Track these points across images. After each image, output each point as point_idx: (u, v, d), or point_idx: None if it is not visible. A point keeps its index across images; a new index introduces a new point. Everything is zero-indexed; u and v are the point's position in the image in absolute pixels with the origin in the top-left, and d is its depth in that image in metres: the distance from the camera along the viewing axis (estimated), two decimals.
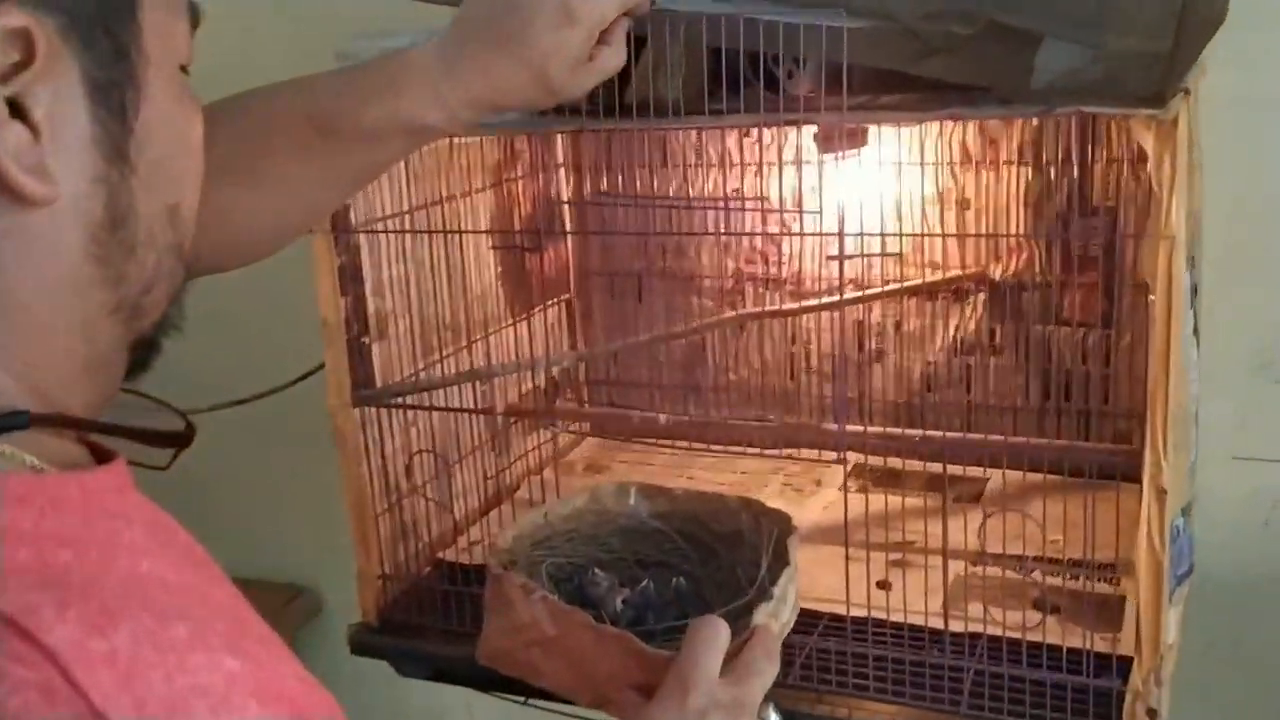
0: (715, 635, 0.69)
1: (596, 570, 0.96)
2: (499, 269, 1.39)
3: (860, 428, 1.23)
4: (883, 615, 1.06)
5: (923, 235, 1.30)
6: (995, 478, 1.32)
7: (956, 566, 1.16)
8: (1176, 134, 0.77)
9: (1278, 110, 1.21)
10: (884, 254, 0.94)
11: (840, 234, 0.90)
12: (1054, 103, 0.81)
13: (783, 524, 0.96)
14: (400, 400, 1.09)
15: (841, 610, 1.02)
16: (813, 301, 1.39)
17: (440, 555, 1.21)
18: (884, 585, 1.13)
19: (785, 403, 1.46)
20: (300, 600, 1.81)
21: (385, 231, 1.11)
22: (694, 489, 1.13)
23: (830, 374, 1.44)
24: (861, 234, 0.92)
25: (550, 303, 1.49)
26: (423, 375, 1.19)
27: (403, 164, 1.15)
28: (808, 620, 1.04)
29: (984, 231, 1.33)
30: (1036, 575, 1.10)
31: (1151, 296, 0.81)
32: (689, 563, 1.00)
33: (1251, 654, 1.34)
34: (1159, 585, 0.85)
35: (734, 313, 1.40)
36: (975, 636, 1.04)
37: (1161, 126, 0.77)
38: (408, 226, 1.15)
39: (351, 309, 1.12)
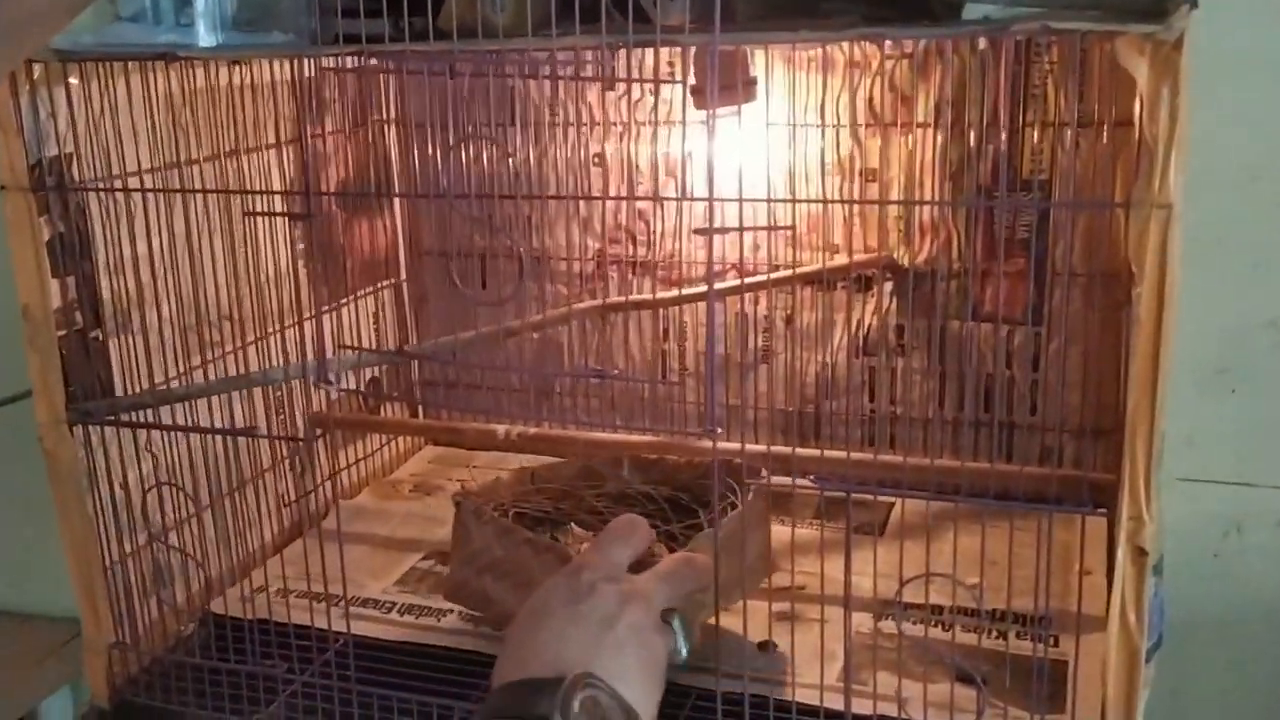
0: (628, 527, 0.71)
1: (575, 526, 0.93)
2: (302, 245, 1.12)
3: (735, 445, 0.99)
4: (764, 691, 0.83)
5: (817, 201, 1.07)
6: (902, 507, 1.10)
7: (859, 620, 0.94)
8: (1180, 60, 0.55)
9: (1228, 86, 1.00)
10: (770, 228, 0.70)
11: (710, 200, 0.66)
12: (1005, 19, 0.58)
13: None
14: (128, 417, 0.81)
15: (709, 684, 0.78)
16: (688, 290, 1.14)
17: (210, 607, 0.94)
18: (766, 647, 0.90)
19: (654, 411, 1.23)
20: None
21: (125, 190, 0.83)
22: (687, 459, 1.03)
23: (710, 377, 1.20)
24: (740, 200, 0.68)
25: (373, 288, 1.22)
26: (184, 381, 0.92)
27: (166, 111, 0.88)
28: (669, 702, 0.80)
29: (892, 201, 1.10)
30: (958, 633, 0.89)
31: (1136, 289, 0.59)
32: (669, 525, 0.94)
33: (1191, 709, 1.15)
34: (1134, 672, 0.64)
35: (594, 302, 1.15)
36: None
37: (1159, 49, 0.55)
38: (165, 186, 0.87)
39: (77, 293, 0.84)
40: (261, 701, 0.84)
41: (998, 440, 1.13)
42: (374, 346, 1.21)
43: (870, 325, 1.15)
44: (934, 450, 1.14)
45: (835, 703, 0.82)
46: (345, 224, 1.18)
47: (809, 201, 1.07)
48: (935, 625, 0.93)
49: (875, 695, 0.83)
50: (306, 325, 1.10)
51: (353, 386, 1.20)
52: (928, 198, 1.09)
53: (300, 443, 1.13)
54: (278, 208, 1.02)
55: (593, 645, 0.60)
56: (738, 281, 1.13)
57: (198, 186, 0.91)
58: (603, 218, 1.20)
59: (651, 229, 1.18)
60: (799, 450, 1.02)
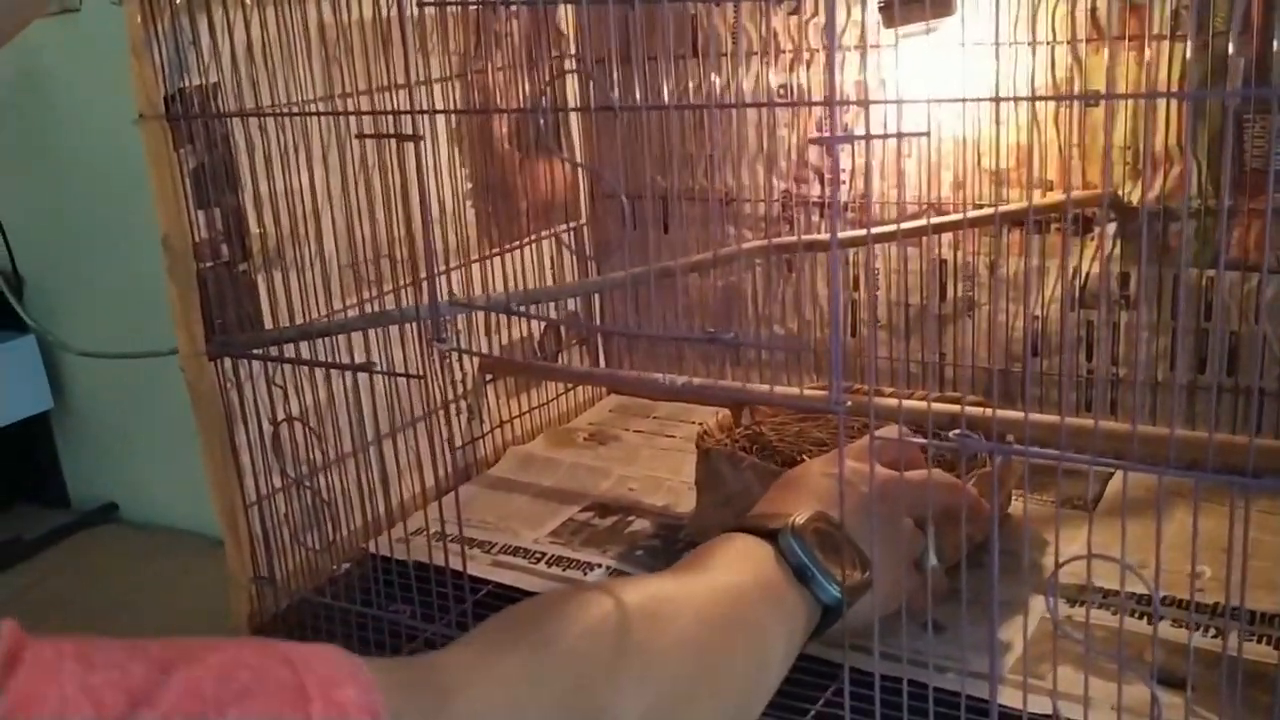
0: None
1: (805, 459, 0.87)
2: (470, 185, 1.09)
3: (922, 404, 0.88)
4: (922, 677, 0.73)
5: (986, 101, 0.93)
6: (1119, 476, 0.96)
7: (1040, 604, 0.81)
8: None
9: None
10: (899, 135, 0.60)
11: (899, 137, 0.56)
12: None
13: None
14: (263, 352, 0.80)
15: (867, 664, 0.69)
16: (878, 230, 1.03)
17: (366, 547, 0.93)
18: (936, 627, 0.80)
19: (845, 366, 1.12)
20: None
21: (260, 114, 0.81)
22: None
23: (905, 329, 1.09)
24: (925, 135, 0.58)
25: (550, 232, 1.18)
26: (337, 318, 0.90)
27: (321, 44, 0.86)
28: (821, 671, 0.72)
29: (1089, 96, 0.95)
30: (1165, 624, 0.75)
31: None
32: None
33: None
34: None
35: (759, 243, 1.06)
36: None
37: None
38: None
39: (223, 226, 0.83)
40: (387, 646, 0.81)
41: (1240, 408, 0.96)
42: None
43: (1089, 273, 1.01)
44: (1165, 420, 0.98)
45: (1007, 698, 0.70)
46: (520, 165, 1.14)
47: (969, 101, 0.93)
48: (1137, 616, 0.80)
49: (1054, 693, 0.71)
50: (477, 266, 1.08)
51: (522, 334, 1.17)
52: (1162, 126, 0.94)
53: (462, 394, 1.11)
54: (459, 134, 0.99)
55: (837, 504, 0.61)
56: (931, 221, 1.01)
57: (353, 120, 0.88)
58: (786, 156, 1.11)
59: (839, 167, 1.08)
60: (1000, 412, 0.89)
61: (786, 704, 0.74)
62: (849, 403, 0.60)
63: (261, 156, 0.84)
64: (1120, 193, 0.97)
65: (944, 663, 0.75)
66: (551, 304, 1.11)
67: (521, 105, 1.10)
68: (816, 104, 0.58)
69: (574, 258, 1.23)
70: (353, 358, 0.82)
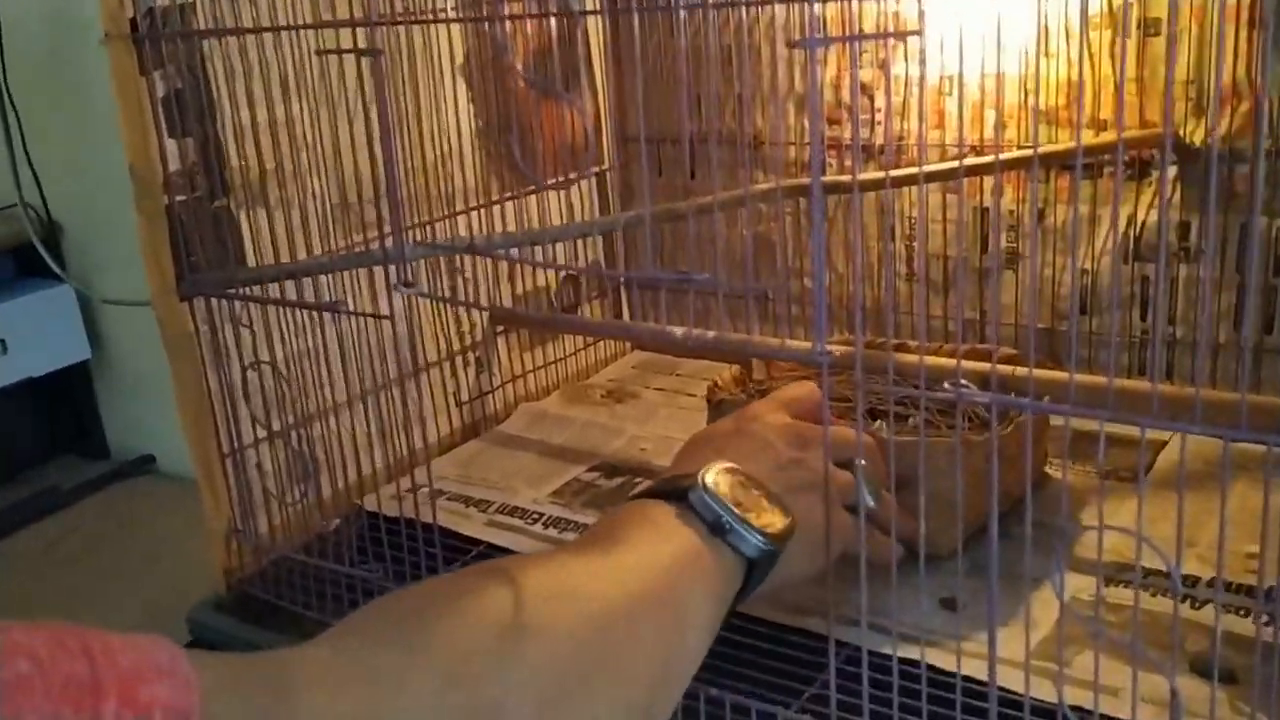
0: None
1: None
2: (481, 122, 1.03)
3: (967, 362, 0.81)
4: (941, 662, 0.66)
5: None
6: (1174, 445, 0.88)
7: (1080, 583, 0.74)
8: None
9: None
10: (889, 36, 0.53)
11: (887, 38, 0.49)
12: None
13: None
14: (236, 292, 0.75)
15: (885, 646, 0.62)
16: (907, 171, 0.95)
17: (360, 503, 0.88)
18: (950, 604, 0.73)
19: (876, 324, 1.05)
20: None
21: (239, 32, 0.76)
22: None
23: (944, 283, 1.01)
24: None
25: (571, 176, 1.12)
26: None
27: None
28: (811, 646, 0.65)
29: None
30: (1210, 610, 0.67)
31: None
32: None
33: None
34: None
35: (768, 185, 0.98)
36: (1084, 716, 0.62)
37: None
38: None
39: (199, 157, 0.78)
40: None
41: None
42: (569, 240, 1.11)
43: (1145, 222, 0.92)
44: (1226, 387, 0.90)
45: (1037, 689, 0.63)
46: (537, 103, 1.07)
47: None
48: (1186, 601, 0.72)
49: (1096, 687, 0.63)
50: (484, 212, 1.02)
51: (537, 285, 1.11)
52: (1230, 58, 0.84)
53: (471, 345, 1.06)
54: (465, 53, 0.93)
55: (749, 457, 0.61)
56: (973, 162, 0.93)
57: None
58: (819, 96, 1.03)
59: (874, 107, 1.00)
60: (1038, 371, 0.81)
61: (782, 684, 0.67)
62: (834, 353, 0.54)
63: (242, 83, 0.79)
64: (1181, 132, 0.88)
65: (949, 643, 0.68)
66: (541, 249, 1.05)
67: (541, 42, 1.04)
68: None
69: (597, 206, 1.16)
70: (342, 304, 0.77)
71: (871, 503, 0.64)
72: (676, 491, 0.57)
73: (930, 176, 0.90)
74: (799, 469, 0.62)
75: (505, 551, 0.84)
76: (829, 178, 0.99)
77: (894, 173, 0.91)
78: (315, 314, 0.80)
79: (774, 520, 0.58)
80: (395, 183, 0.64)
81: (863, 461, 0.63)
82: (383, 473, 0.91)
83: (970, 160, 0.91)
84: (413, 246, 0.70)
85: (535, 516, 0.89)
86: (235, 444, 0.82)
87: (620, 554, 0.53)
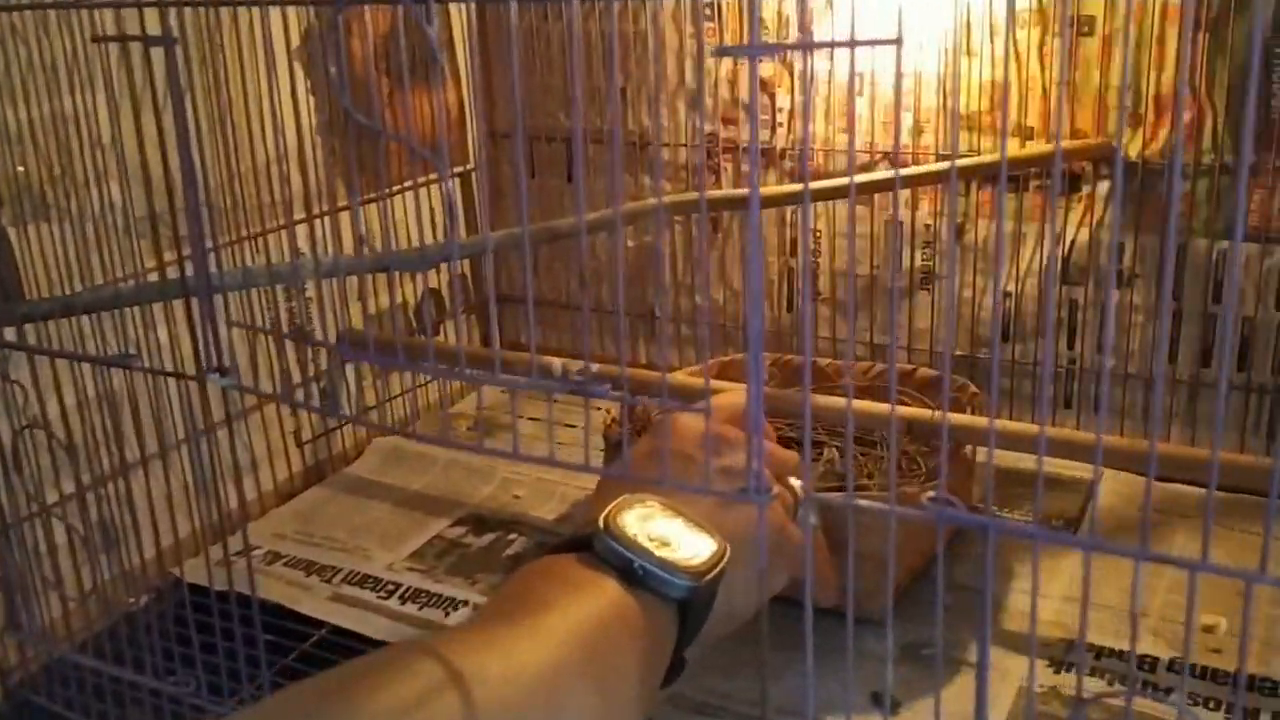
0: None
1: None
2: (322, 117, 0.88)
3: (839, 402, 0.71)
4: None
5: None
6: (1107, 488, 0.80)
7: (1016, 666, 0.64)
8: None
9: None
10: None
11: (854, 46, 0.37)
12: None
13: None
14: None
15: None
16: (821, 184, 0.85)
17: (180, 573, 0.73)
18: (879, 700, 0.63)
19: (780, 343, 0.95)
20: None
21: (18, 8, 0.60)
22: None
23: (849, 305, 0.91)
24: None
25: (430, 178, 0.97)
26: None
27: None
28: None
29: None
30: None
31: None
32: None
33: None
34: None
35: (679, 195, 0.87)
36: None
37: None
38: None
39: None
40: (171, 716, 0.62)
41: (1254, 409, 0.80)
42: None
43: (1074, 242, 0.83)
44: (1162, 422, 0.82)
45: None
46: (390, 95, 0.93)
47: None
48: (1147, 688, 0.63)
49: None
50: (328, 220, 0.88)
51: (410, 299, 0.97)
52: (1169, 65, 0.76)
53: (314, 375, 0.91)
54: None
55: (671, 479, 0.49)
56: (882, 175, 0.83)
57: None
58: (714, 95, 0.91)
59: (775, 107, 0.89)
60: (952, 415, 0.72)
61: None
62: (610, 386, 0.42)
63: (17, 69, 0.63)
64: (1116, 144, 0.79)
65: None
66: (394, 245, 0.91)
67: (390, 26, 0.89)
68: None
69: (464, 209, 1.03)
70: (124, 343, 0.62)
71: (815, 520, 0.56)
72: (583, 541, 0.47)
73: (864, 187, 0.80)
74: (728, 479, 0.51)
75: (351, 636, 0.71)
76: (715, 193, 0.87)
77: (817, 184, 0.80)
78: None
79: (698, 551, 0.47)
80: (197, 196, 0.50)
81: (798, 482, 0.57)
82: (203, 534, 0.76)
83: (880, 174, 0.81)
84: (222, 274, 0.56)
85: (390, 588, 0.75)
86: (7, 519, 0.66)
87: (532, 623, 0.42)
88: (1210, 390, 0.81)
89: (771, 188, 0.85)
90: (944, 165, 0.82)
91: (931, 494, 0.38)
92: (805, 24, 0.80)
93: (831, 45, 0.36)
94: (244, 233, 0.81)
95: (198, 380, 0.55)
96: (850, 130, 0.42)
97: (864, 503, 0.43)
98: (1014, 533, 0.41)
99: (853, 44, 0.34)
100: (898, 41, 0.34)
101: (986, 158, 0.81)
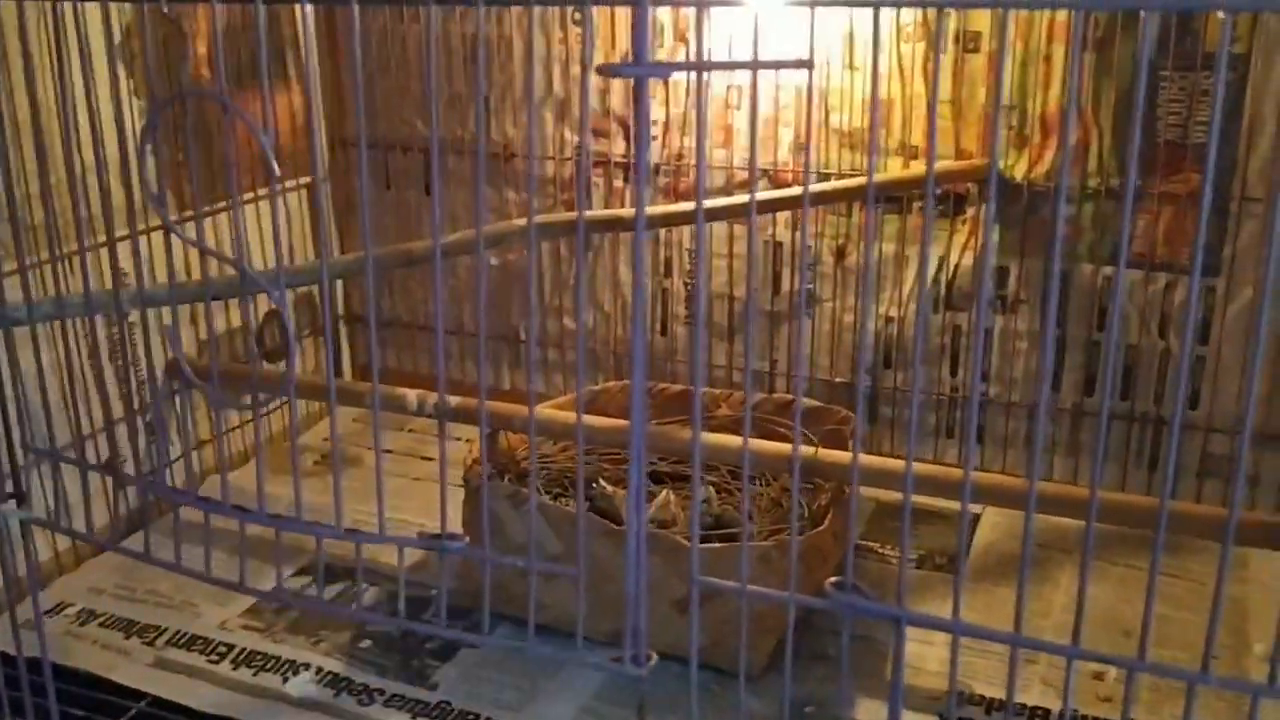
0: None
1: (603, 482, 0.73)
2: (148, 125, 0.79)
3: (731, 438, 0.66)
4: None
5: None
6: (988, 522, 0.77)
7: None
8: None
9: None
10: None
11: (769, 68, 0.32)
12: None
13: None
14: None
15: None
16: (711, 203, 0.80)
17: None
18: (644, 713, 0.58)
19: (653, 368, 0.89)
20: None
21: None
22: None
23: (727, 328, 0.86)
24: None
25: (268, 190, 0.88)
26: None
27: None
28: None
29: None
30: None
31: None
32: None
33: None
34: None
35: (556, 216, 0.81)
36: None
37: None
38: None
39: None
40: None
41: (1136, 440, 0.78)
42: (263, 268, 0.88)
43: (958, 265, 0.80)
44: (1044, 453, 0.79)
45: None
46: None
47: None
48: None
49: None
50: (153, 237, 0.79)
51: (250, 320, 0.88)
52: (1058, 74, 0.73)
53: (139, 407, 0.82)
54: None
55: None
56: (770, 195, 0.78)
57: None
58: (582, 104, 0.86)
59: (650, 118, 0.84)
60: (823, 451, 0.67)
61: None
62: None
63: None
64: (1002, 165, 0.76)
65: None
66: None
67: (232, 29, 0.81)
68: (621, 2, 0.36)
69: (310, 225, 0.95)
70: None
71: None
72: None
73: (768, 205, 0.75)
74: None
75: (175, 709, 0.62)
76: (561, 216, 0.82)
77: (712, 203, 0.75)
78: None
79: None
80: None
81: None
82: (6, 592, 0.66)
83: (786, 192, 0.77)
84: (9, 308, 0.48)
85: (222, 650, 0.67)
86: None
87: None
88: (1093, 420, 0.79)
89: (658, 207, 0.80)
90: (835, 185, 0.77)
91: (835, 580, 0.33)
92: (685, 37, 0.75)
93: (732, 66, 0.31)
94: (57, 251, 0.72)
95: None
96: (751, 148, 0.37)
97: (759, 590, 0.38)
98: (924, 624, 0.37)
99: (756, 65, 0.28)
100: (809, 65, 0.29)
101: (863, 178, 0.78)
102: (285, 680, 0.65)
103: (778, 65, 0.28)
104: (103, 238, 0.72)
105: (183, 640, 0.68)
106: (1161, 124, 0.72)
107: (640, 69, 0.29)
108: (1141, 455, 0.78)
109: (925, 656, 0.65)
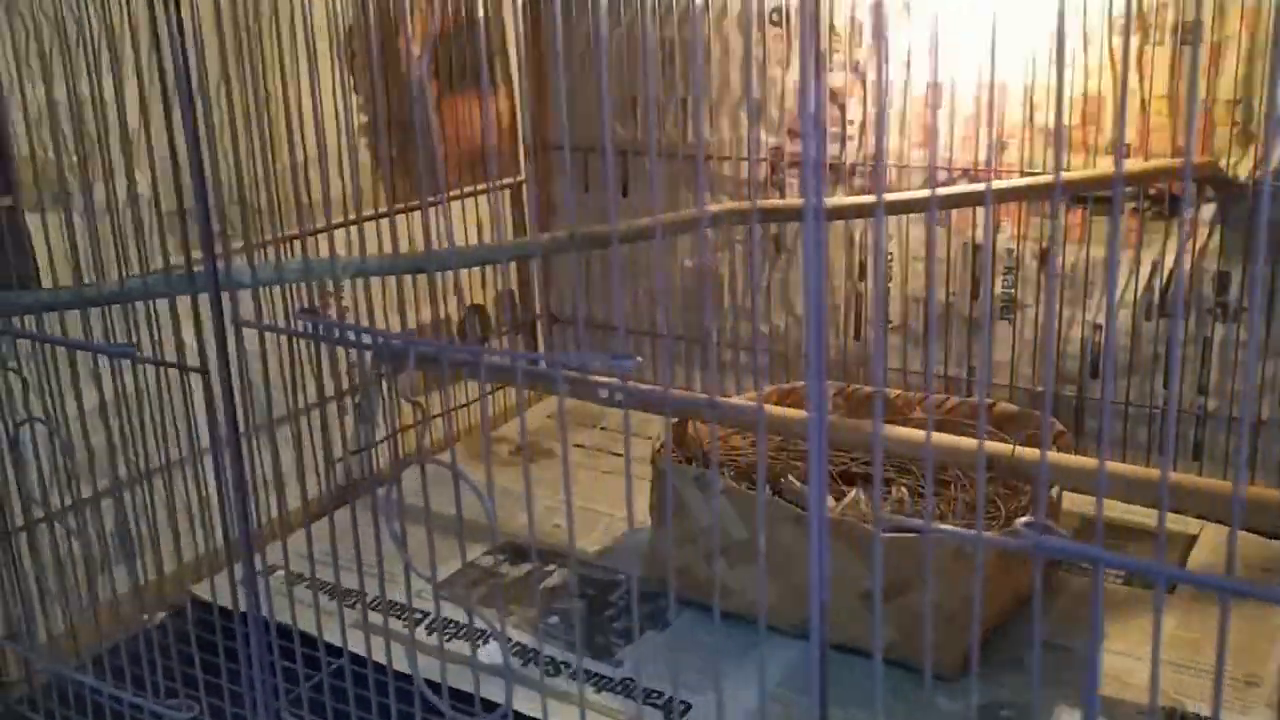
0: None
1: (791, 479, 0.72)
2: (366, 118, 0.84)
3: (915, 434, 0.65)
4: None
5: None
6: (1206, 543, 0.72)
7: None
8: None
9: None
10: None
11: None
12: None
13: None
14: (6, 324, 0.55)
15: None
16: (896, 196, 0.79)
17: (194, 591, 0.68)
18: None
19: (845, 373, 0.88)
20: None
21: None
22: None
23: (922, 332, 0.84)
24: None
25: (479, 187, 0.93)
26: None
27: None
28: None
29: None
30: None
31: None
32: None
33: None
34: None
35: (736, 204, 0.82)
36: None
37: None
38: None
39: None
40: None
41: None
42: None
43: (1173, 270, 0.76)
44: (1270, 474, 0.74)
45: None
46: (439, 100, 0.89)
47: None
48: None
49: None
50: (366, 226, 0.83)
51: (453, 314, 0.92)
52: None
53: (348, 390, 0.86)
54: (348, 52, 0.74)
55: None
56: (965, 189, 0.76)
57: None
58: (780, 106, 0.86)
59: (845, 118, 0.83)
60: (1020, 450, 0.65)
61: None
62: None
63: (25, 46, 0.59)
64: (1223, 163, 0.72)
65: None
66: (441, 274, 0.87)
67: (448, 27, 0.85)
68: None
69: (512, 222, 0.98)
70: (139, 338, 0.57)
71: None
72: None
73: (951, 200, 0.74)
74: None
75: (373, 665, 0.65)
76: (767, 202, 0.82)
77: (891, 196, 0.74)
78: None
79: None
80: (205, 187, 0.45)
81: None
82: (222, 552, 0.71)
83: (961, 188, 0.75)
84: (235, 272, 0.51)
85: (418, 616, 0.70)
86: (8, 524, 0.61)
87: None
88: None
89: (837, 199, 0.79)
90: (1038, 180, 0.75)
91: (1026, 520, 0.31)
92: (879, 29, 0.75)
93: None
94: (280, 234, 0.76)
95: (201, 373, 0.50)
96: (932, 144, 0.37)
97: (946, 527, 0.36)
98: (1123, 566, 0.35)
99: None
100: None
101: (1077, 173, 0.75)
102: (475, 648, 0.67)
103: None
104: (321, 223, 0.76)
105: (377, 605, 0.71)
106: None
107: None
108: None
109: (1132, 671, 0.61)
